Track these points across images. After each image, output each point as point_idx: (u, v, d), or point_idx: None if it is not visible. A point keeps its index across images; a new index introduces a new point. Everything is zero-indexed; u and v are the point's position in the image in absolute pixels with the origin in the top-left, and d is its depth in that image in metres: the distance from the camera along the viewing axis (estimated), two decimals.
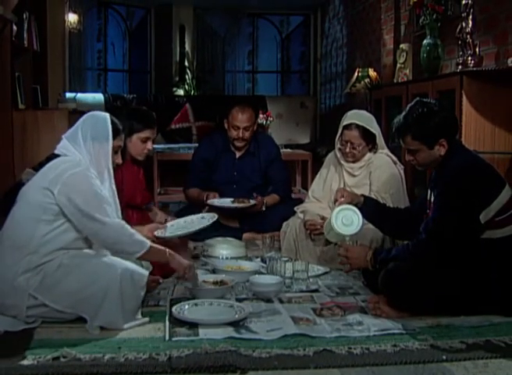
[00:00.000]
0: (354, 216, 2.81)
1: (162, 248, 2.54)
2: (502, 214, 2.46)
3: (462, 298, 2.44)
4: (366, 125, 3.40)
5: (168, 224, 3.04)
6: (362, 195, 3.05)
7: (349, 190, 3.46)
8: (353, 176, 3.48)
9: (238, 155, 4.19)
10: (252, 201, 3.92)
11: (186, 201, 4.31)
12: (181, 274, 2.60)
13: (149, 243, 2.44)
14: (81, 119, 2.51)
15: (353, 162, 3.48)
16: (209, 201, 3.88)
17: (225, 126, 4.11)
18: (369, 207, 2.96)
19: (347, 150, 3.42)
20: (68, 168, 2.36)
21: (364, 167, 3.46)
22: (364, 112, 3.60)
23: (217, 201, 3.89)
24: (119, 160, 2.58)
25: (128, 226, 2.41)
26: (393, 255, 2.56)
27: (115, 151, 2.52)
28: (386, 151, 3.51)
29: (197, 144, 6.56)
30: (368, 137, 3.42)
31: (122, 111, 3.30)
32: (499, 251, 2.47)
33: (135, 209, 3.28)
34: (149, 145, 3.21)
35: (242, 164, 4.17)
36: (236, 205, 3.88)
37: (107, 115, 2.54)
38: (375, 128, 3.44)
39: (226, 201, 3.90)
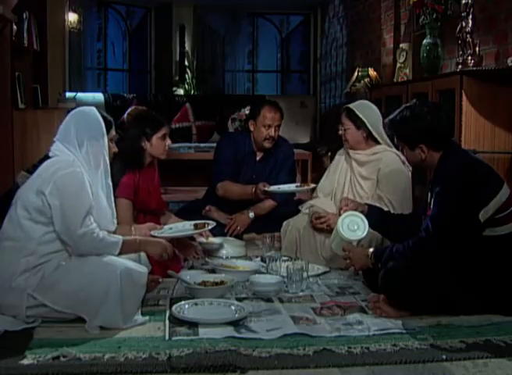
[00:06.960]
0: (360, 221, 2.87)
1: (132, 238, 2.61)
2: (501, 212, 2.46)
3: (462, 297, 2.44)
4: (356, 109, 3.41)
5: (166, 226, 3.08)
6: (366, 204, 3.07)
7: (356, 183, 3.45)
8: (361, 165, 3.47)
9: (259, 157, 4.07)
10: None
11: (222, 195, 3.97)
12: (163, 255, 2.62)
13: (120, 239, 2.46)
14: (71, 118, 2.49)
15: (351, 148, 3.48)
16: (271, 188, 3.70)
17: (251, 127, 3.98)
18: (373, 215, 2.95)
19: (340, 132, 3.48)
20: (60, 168, 2.35)
21: (374, 161, 3.43)
22: (365, 101, 3.64)
23: (273, 188, 3.75)
24: (115, 149, 2.61)
25: (97, 232, 2.38)
26: (394, 252, 2.57)
27: (110, 140, 2.55)
28: (395, 150, 3.49)
29: (196, 144, 6.57)
30: (357, 122, 3.41)
31: (132, 124, 3.35)
32: (498, 249, 2.47)
33: (148, 214, 3.30)
34: (168, 141, 3.27)
35: (261, 166, 4.07)
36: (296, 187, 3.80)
37: (94, 109, 2.53)
38: (366, 115, 3.41)
39: (285, 187, 3.81)
